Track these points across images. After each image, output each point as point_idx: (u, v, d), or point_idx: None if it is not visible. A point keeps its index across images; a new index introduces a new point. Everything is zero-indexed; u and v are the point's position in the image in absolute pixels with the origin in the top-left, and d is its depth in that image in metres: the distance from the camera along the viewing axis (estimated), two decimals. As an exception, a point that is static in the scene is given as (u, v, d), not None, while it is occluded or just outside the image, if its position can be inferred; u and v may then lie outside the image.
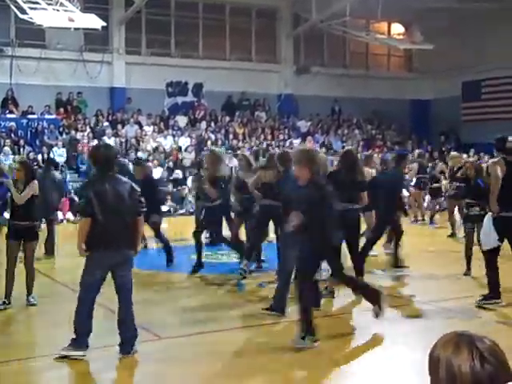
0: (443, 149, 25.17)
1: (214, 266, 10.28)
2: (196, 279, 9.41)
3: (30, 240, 7.64)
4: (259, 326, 6.93)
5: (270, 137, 23.67)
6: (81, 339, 5.72)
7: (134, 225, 5.89)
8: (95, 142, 20.27)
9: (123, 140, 20.54)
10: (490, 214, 7.54)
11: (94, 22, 20.06)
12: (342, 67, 27.73)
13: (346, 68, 27.88)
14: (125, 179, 6.08)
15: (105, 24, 20.62)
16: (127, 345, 5.78)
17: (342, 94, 26.35)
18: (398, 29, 28.47)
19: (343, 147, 23.55)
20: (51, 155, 19.18)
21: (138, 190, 6.01)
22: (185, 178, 19.89)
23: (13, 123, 20.10)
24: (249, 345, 6.40)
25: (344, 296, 7.86)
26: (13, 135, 19.68)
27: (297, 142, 23.59)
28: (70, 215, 17.25)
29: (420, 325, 7.01)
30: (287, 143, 23.30)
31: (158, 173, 18.31)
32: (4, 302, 7.48)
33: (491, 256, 7.57)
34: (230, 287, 8.90)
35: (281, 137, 24.01)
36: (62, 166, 19.11)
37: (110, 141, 20.46)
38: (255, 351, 6.13)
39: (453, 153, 15.44)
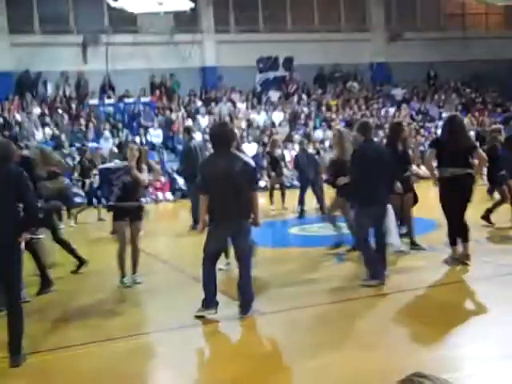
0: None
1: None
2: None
3: (137, 220, 7.85)
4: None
5: (363, 107, 23.18)
6: (209, 300, 6.22)
7: (250, 198, 6.21)
8: (189, 121, 20.64)
9: (217, 118, 20.70)
10: None
11: (182, 3, 20.29)
12: (437, 30, 26.68)
13: (442, 31, 26.79)
14: (239, 155, 6.39)
15: (193, 5, 20.80)
16: (246, 306, 6.24)
17: (438, 58, 25.37)
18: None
19: (440, 113, 22.86)
20: (148, 137, 19.67)
21: (252, 165, 6.34)
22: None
23: (111, 108, 20.78)
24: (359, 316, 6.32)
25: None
26: (111, 119, 20.33)
27: (392, 110, 23.01)
28: (169, 195, 17.64)
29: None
30: (382, 112, 22.77)
31: (252, 149, 18.33)
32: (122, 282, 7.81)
33: None
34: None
35: (375, 106, 23.46)
36: (159, 146, 19.56)
37: (204, 119, 20.76)
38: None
39: None
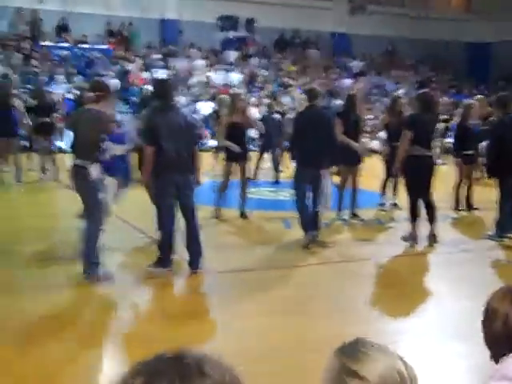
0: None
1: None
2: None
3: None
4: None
5: (322, 75, 23.19)
6: (165, 258, 6.20)
7: (193, 154, 6.24)
8: (146, 73, 20.26)
9: (174, 72, 20.34)
10: None
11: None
12: (399, 6, 26.79)
13: (404, 7, 26.92)
14: (184, 111, 6.58)
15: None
16: (196, 261, 6.26)
17: (398, 34, 25.56)
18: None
19: (397, 89, 23.08)
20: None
21: (197, 121, 6.25)
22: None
23: (66, 52, 20.16)
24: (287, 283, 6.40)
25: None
26: (65, 64, 19.74)
27: (349, 81, 23.11)
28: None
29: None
30: (339, 82, 22.85)
31: (208, 107, 18.17)
32: None
33: None
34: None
35: (332, 76, 23.51)
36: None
37: (161, 73, 20.39)
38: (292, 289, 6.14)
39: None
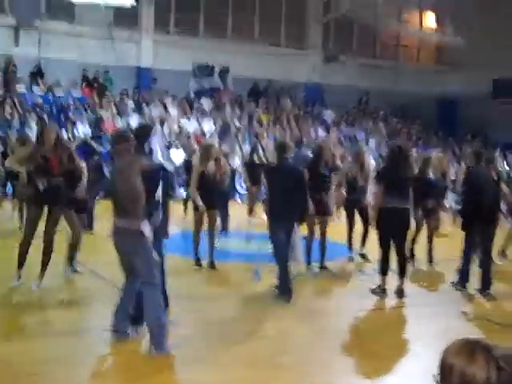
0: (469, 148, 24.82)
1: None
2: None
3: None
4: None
5: (294, 125, 23.44)
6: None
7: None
8: (119, 120, 20.30)
9: (147, 120, 20.41)
10: None
11: (124, -1, 19.98)
12: (372, 57, 27.41)
13: (376, 58, 27.54)
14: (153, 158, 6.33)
15: (134, 2, 20.53)
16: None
17: (370, 84, 26.05)
18: (430, 22, 28.02)
19: (367, 140, 23.44)
20: (75, 132, 19.20)
21: (170, 171, 6.24)
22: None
23: (40, 99, 20.16)
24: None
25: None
26: (39, 110, 19.71)
27: (322, 131, 23.39)
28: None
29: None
30: (312, 133, 23.10)
31: (180, 155, 18.23)
32: None
33: None
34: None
35: (305, 126, 23.77)
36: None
37: (134, 119, 20.46)
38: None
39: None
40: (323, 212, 9.14)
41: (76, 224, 7.99)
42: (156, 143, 6.62)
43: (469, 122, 26.52)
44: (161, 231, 6.11)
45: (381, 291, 8.00)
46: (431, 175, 9.87)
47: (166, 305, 6.21)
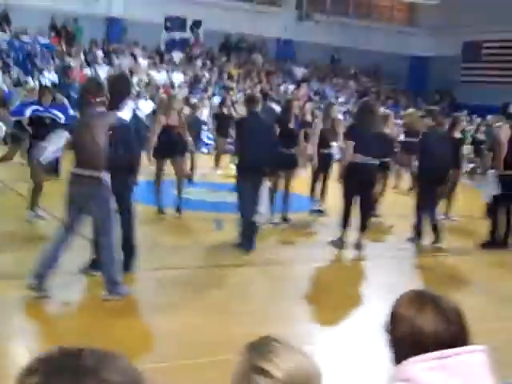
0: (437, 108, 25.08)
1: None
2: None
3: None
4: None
5: (264, 80, 23.40)
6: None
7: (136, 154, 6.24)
8: (88, 70, 20.04)
9: (116, 70, 20.16)
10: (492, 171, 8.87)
11: None
12: (345, 16, 27.28)
13: (349, 17, 27.42)
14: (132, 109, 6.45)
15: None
16: (129, 264, 6.20)
17: (342, 43, 25.99)
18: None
19: (337, 97, 23.53)
20: (42, 80, 18.91)
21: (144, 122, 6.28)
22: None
23: (5, 43, 19.74)
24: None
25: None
26: (4, 55, 19.33)
27: (291, 87, 23.39)
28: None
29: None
30: (282, 88, 23.09)
31: (149, 106, 18.12)
32: None
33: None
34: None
35: (276, 81, 23.75)
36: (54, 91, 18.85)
37: (103, 69, 20.20)
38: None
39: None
40: (290, 166, 9.27)
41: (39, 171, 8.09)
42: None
43: (438, 83, 26.74)
44: (132, 179, 6.22)
45: (340, 243, 8.19)
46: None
47: (133, 253, 6.31)
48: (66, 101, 10.49)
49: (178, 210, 9.28)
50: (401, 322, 1.82)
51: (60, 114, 8.37)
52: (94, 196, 5.46)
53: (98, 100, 5.51)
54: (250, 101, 8.01)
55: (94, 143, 5.42)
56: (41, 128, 8.07)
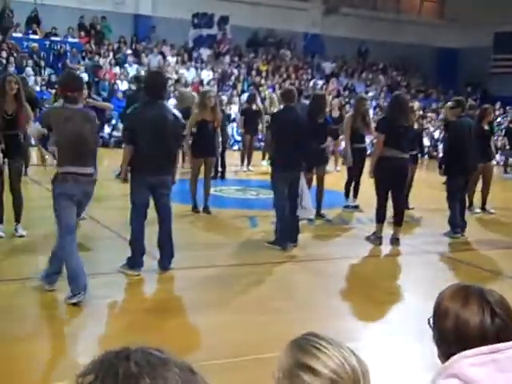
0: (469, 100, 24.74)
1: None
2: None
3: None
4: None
5: (293, 76, 23.30)
6: (136, 259, 6.05)
7: (174, 154, 6.16)
8: (117, 68, 20.16)
9: (146, 69, 20.25)
10: None
11: None
12: (372, 9, 27.02)
13: (377, 10, 27.16)
14: (171, 108, 6.27)
15: None
16: (167, 261, 6.20)
17: (370, 36, 25.77)
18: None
19: (366, 92, 23.33)
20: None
21: (182, 121, 6.27)
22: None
23: (35, 44, 19.94)
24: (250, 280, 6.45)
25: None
26: (35, 56, 19.53)
27: (320, 82, 23.25)
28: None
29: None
30: (311, 83, 22.98)
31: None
32: None
33: None
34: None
35: (304, 77, 23.64)
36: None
37: (132, 69, 20.31)
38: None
39: None
40: (321, 161, 9.18)
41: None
42: None
43: (469, 75, 26.35)
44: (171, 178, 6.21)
45: (376, 239, 8.08)
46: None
47: (171, 253, 6.28)
48: (100, 101, 10.35)
49: (206, 209, 9.20)
50: (445, 316, 1.81)
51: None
52: (90, 194, 5.46)
53: (76, 95, 5.29)
54: (286, 95, 7.85)
55: (92, 140, 5.38)
56: None
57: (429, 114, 22.35)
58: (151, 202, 6.19)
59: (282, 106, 8.07)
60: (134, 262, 6.12)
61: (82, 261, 5.31)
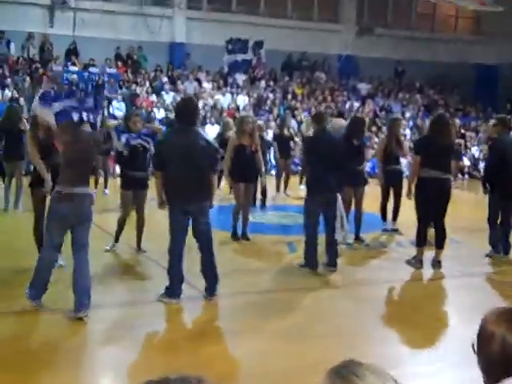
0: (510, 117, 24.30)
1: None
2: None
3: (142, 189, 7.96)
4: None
5: (329, 98, 23.26)
6: (174, 288, 6.06)
7: (210, 179, 6.16)
8: (154, 96, 20.42)
9: (182, 96, 20.47)
10: None
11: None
12: (406, 29, 26.89)
13: (411, 30, 27.02)
14: (203, 133, 6.37)
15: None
16: (212, 287, 6.22)
17: (405, 56, 25.61)
18: (467, -11, 27.37)
19: (403, 112, 23.13)
20: (110, 109, 19.38)
21: (215, 145, 6.33)
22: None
23: (75, 75, 20.36)
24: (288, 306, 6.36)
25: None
26: (74, 87, 19.91)
27: (356, 104, 23.17)
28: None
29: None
30: (347, 105, 22.90)
31: (215, 131, 18.25)
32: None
33: None
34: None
35: (340, 99, 23.58)
36: (121, 119, 19.29)
37: (169, 96, 20.55)
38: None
39: None
40: (358, 183, 9.09)
41: None
42: None
43: (509, 91, 25.91)
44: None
45: (417, 262, 7.92)
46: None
47: (216, 279, 6.27)
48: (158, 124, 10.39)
49: (245, 235, 9.16)
50: (491, 341, 1.74)
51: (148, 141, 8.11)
52: (88, 213, 5.66)
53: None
54: (317, 118, 7.87)
55: (92, 160, 5.77)
56: (137, 156, 7.94)
57: (468, 133, 22.03)
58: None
59: (314, 130, 8.04)
60: (173, 291, 6.11)
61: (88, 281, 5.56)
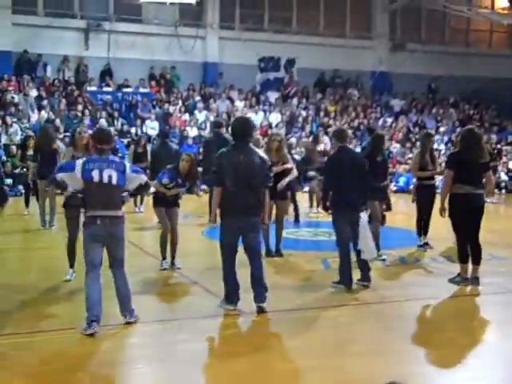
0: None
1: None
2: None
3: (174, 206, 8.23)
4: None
5: (362, 115, 23.15)
6: (231, 295, 6.30)
7: (263, 195, 6.33)
8: (187, 115, 20.58)
9: (214, 115, 20.60)
10: None
11: (188, -4, 20.22)
12: (440, 44, 26.69)
13: (445, 45, 26.81)
14: (258, 151, 6.44)
15: (199, -1, 20.75)
16: (261, 296, 6.30)
17: (439, 72, 25.40)
18: (502, 3, 27.07)
19: (438, 127, 22.89)
20: (144, 128, 19.57)
21: (269, 161, 6.45)
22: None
23: (109, 96, 20.67)
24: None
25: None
26: (108, 108, 20.21)
27: (390, 120, 23.01)
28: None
29: None
30: (380, 122, 22.76)
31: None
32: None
33: None
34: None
35: (373, 115, 23.45)
36: (154, 139, 19.46)
37: (202, 115, 20.69)
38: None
39: None
40: (381, 198, 9.05)
41: None
42: None
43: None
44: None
45: (462, 280, 7.71)
46: None
47: (263, 294, 6.33)
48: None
49: (278, 251, 9.11)
50: None
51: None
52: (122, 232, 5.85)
53: (107, 147, 5.86)
54: (339, 135, 7.80)
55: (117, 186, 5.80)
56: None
57: (504, 147, 21.67)
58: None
59: (335, 147, 7.95)
60: (230, 297, 6.34)
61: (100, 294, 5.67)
